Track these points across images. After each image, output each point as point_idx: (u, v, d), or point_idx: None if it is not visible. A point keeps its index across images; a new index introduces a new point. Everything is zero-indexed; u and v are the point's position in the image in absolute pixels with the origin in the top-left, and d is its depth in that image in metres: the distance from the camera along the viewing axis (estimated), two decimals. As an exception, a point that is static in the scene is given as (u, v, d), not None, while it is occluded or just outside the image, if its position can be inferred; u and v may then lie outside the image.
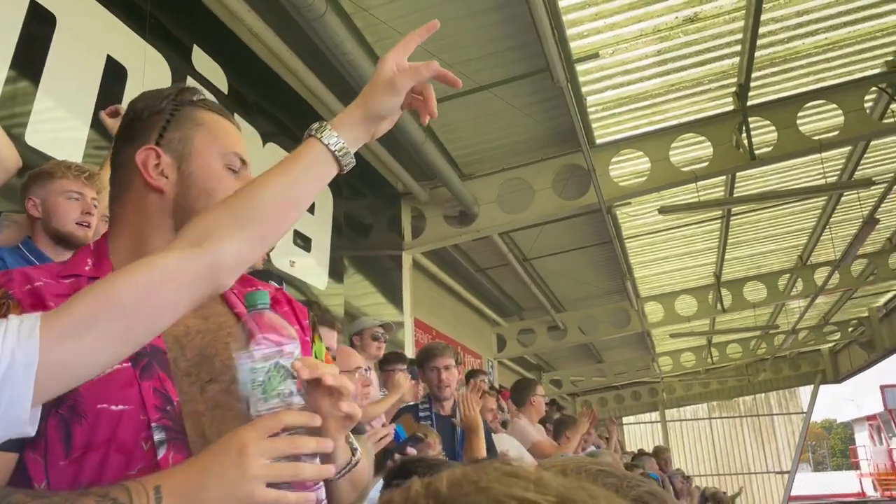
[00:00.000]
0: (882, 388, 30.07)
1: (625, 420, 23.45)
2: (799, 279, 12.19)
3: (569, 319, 12.63)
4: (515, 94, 6.04)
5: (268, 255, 4.30)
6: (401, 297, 7.33)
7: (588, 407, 15.33)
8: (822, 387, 22.05)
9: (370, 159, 6.53)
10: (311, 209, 5.50)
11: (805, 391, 23.03)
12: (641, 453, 9.33)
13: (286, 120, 5.38)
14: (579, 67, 5.93)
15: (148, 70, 4.00)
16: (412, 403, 3.75)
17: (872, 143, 7.84)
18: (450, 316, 10.10)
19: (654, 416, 23.41)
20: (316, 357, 1.20)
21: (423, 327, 8.62)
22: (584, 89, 6.24)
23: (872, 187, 7.89)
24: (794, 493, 24.30)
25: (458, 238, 7.68)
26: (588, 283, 11.69)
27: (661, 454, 9.09)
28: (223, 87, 4.65)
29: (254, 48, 4.95)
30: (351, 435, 1.11)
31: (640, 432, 23.63)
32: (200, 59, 4.48)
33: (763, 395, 23.51)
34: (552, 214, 7.59)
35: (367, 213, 7.18)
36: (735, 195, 8.59)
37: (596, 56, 5.86)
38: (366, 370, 2.94)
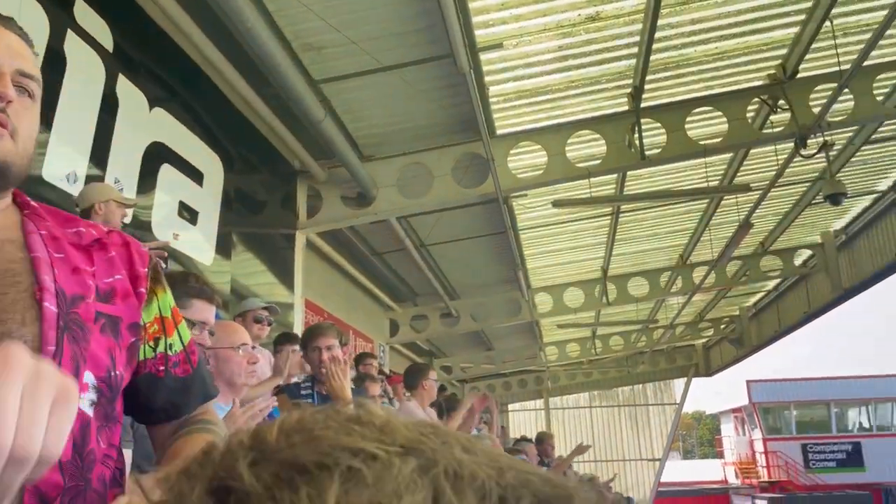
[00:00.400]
0: (748, 382, 32.22)
1: (510, 407, 24.05)
2: (679, 277, 12.83)
3: (462, 307, 12.77)
4: (419, 78, 6.00)
5: (150, 224, 4.07)
6: (292, 277, 7.16)
7: (477, 391, 15.62)
8: (694, 380, 23.46)
9: (266, 133, 6.32)
10: (200, 181, 5.26)
11: (679, 383, 24.39)
12: (523, 439, 9.56)
13: (176, 85, 5.11)
14: (483, 56, 5.95)
15: (23, 21, 3.67)
16: (292, 382, 3.67)
17: (752, 151, 8.32)
18: (342, 299, 9.98)
19: (539, 403, 24.14)
20: (160, 312, 1.07)
21: (315, 309, 8.47)
22: (486, 79, 6.27)
23: (749, 193, 8.40)
24: (663, 479, 25.70)
25: (355, 220, 7.58)
26: (482, 271, 11.85)
27: (545, 440, 9.33)
28: (108, 45, 4.36)
29: (145, 7, 4.66)
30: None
31: (524, 419, 24.29)
32: (84, 12, 4.17)
33: (640, 385, 24.70)
34: (451, 201, 7.62)
35: (260, 188, 6.96)
36: (625, 193, 8.93)
37: (500, 46, 5.91)
38: (252, 347, 2.82)
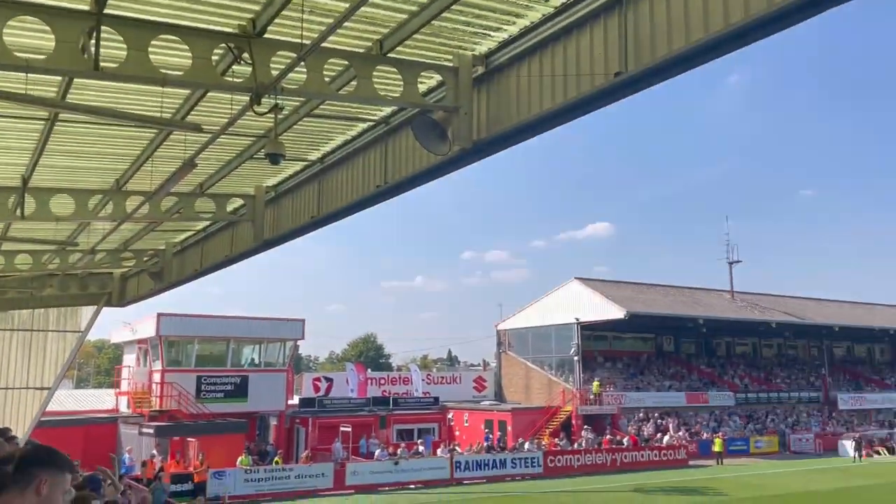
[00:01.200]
0: (159, 315, 32.86)
1: None
2: (111, 202, 12.20)
3: None
4: None
5: None
6: None
7: None
8: (104, 308, 22.77)
9: None
10: None
11: (87, 311, 23.36)
12: None
13: None
14: None
15: None
16: None
17: (210, 94, 8.42)
18: None
19: None
20: None
21: None
22: None
23: (199, 134, 8.48)
24: (50, 408, 24.35)
25: None
26: None
27: None
28: None
29: None
30: None
31: None
32: None
33: (43, 310, 22.88)
34: None
35: None
36: (67, 101, 8.02)
37: None
38: None
